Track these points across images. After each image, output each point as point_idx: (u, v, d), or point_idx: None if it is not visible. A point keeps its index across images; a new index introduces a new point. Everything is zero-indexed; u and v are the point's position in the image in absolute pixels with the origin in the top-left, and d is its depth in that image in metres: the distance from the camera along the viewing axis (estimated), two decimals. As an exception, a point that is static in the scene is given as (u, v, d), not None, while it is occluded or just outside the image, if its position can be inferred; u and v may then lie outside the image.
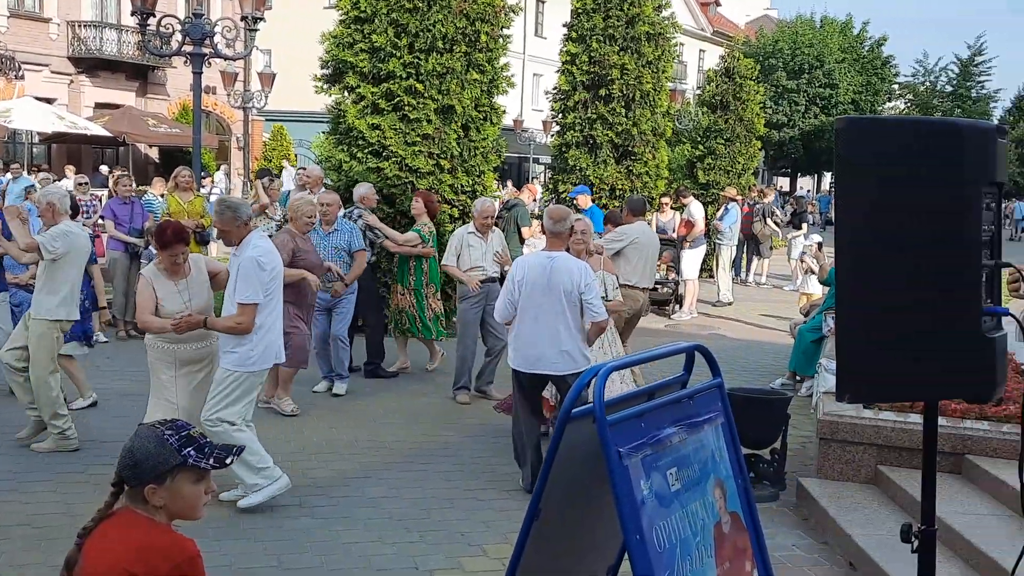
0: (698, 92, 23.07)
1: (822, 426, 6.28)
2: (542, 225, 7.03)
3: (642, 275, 8.88)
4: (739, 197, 16.31)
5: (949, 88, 51.38)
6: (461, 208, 11.04)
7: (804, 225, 18.85)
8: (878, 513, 5.72)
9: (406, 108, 10.62)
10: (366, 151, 10.71)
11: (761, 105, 20.17)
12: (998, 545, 4.92)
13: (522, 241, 11.72)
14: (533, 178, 32.68)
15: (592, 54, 14.66)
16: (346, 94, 11.02)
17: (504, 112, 11.80)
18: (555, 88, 15.58)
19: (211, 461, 2.59)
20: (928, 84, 51.95)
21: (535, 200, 15.67)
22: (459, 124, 10.90)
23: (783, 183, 51.66)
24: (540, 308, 5.91)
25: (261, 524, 5.40)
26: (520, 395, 6.14)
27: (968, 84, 50.95)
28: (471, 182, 11.13)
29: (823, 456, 6.31)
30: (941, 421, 6.18)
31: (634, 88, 14.65)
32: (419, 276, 8.82)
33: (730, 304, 15.12)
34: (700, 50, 50.44)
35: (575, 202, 12.76)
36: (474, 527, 5.53)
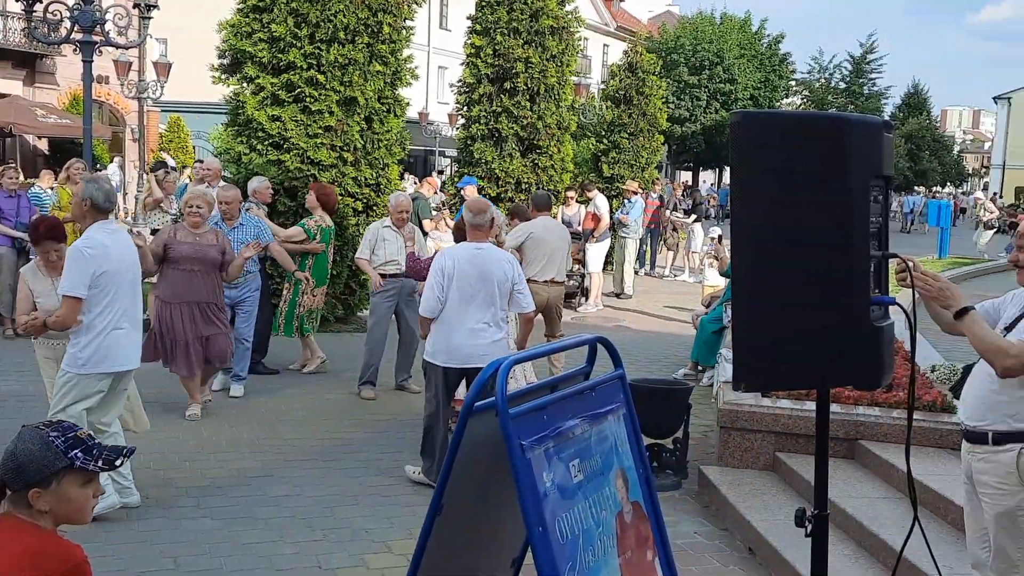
0: (602, 87, 23.28)
1: (722, 415, 6.40)
2: (460, 219, 6.91)
3: (543, 269, 8.90)
4: (641, 190, 16.53)
5: (843, 85, 53.09)
6: (365, 201, 10.91)
7: (691, 216, 19.33)
8: (776, 499, 5.86)
9: (307, 100, 10.44)
10: (266, 143, 10.50)
11: (664, 100, 20.49)
12: (888, 527, 5.10)
13: (425, 234, 11.65)
14: (432, 171, 32.56)
15: (497, 47, 14.66)
16: (245, 85, 10.78)
17: (408, 104, 11.72)
18: (460, 81, 15.54)
19: (99, 463, 2.49)
20: (823, 81, 53.57)
21: (436, 192, 15.55)
22: (362, 116, 10.78)
23: (686, 177, 52.63)
24: (472, 300, 5.77)
25: (157, 526, 5.24)
26: (444, 390, 5.96)
27: (860, 81, 52.75)
28: (375, 175, 11.01)
29: (723, 444, 6.44)
30: (835, 408, 6.38)
31: (539, 82, 14.72)
32: (302, 271, 8.70)
33: (630, 297, 15.32)
34: (604, 45, 50.97)
35: (463, 193, 12.73)
36: (379, 524, 5.48)
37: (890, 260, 2.93)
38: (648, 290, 16.40)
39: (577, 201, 15.13)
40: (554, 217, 11.19)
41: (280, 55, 10.43)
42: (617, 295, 15.17)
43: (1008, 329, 3.43)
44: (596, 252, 13.98)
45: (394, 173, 11.53)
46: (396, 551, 5.06)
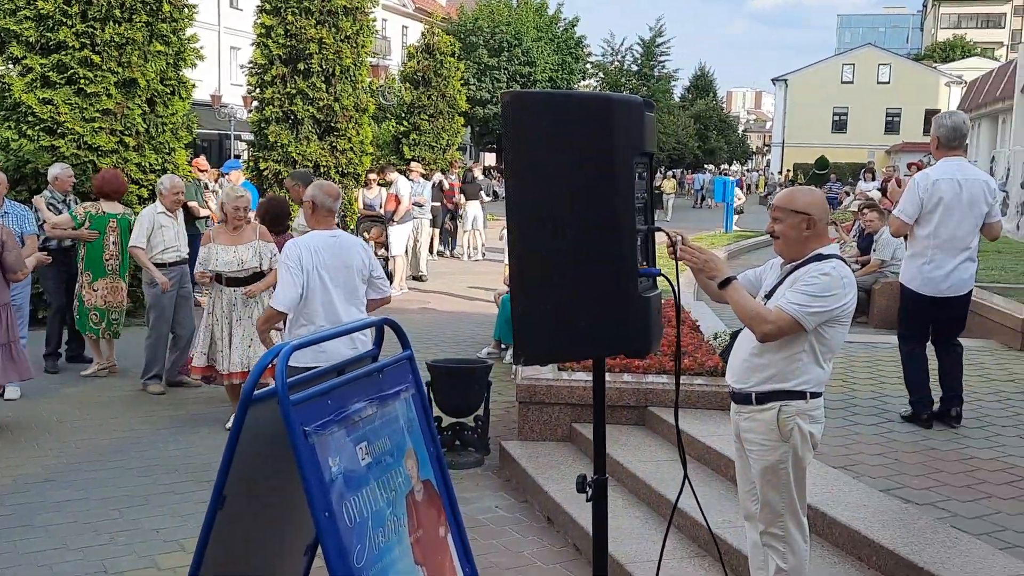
0: (402, 68, 23.19)
1: (520, 390, 6.54)
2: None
3: None
4: (426, 173, 16.57)
5: (635, 67, 55.19)
6: (151, 187, 10.40)
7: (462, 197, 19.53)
8: (572, 468, 6.05)
9: (82, 81, 9.84)
10: (37, 128, 9.81)
11: (463, 82, 20.65)
12: (675, 487, 5.34)
13: (196, 218, 10.99)
14: (202, 153, 31.46)
15: (288, 27, 14.30)
16: (11, 66, 10.02)
17: (195, 86, 11.26)
18: (251, 62, 15.05)
19: None
20: (616, 64, 55.50)
21: (204, 172, 14.68)
22: (144, 99, 10.26)
23: (490, 159, 53.28)
24: (335, 291, 5.36)
25: (-78, 544, 4.84)
26: None
27: (651, 64, 54.97)
28: (160, 160, 10.52)
29: (523, 419, 6.59)
30: (626, 377, 6.66)
31: (333, 63, 14.47)
32: (75, 262, 8.24)
33: (427, 279, 15.31)
34: (403, 26, 50.71)
35: (227, 178, 12.36)
36: (171, 522, 5.27)
37: (663, 234, 3.08)
38: (452, 271, 16.52)
39: (379, 184, 15.03)
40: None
41: (49, 34, 9.76)
42: (415, 278, 15.14)
43: (768, 296, 3.66)
44: (399, 235, 13.93)
45: (181, 158, 11.05)
46: (189, 549, 4.85)
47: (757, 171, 69.83)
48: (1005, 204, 20.14)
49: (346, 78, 14.71)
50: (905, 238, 6.28)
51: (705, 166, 60.48)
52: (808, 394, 3.55)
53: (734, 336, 3.82)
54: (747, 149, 74.87)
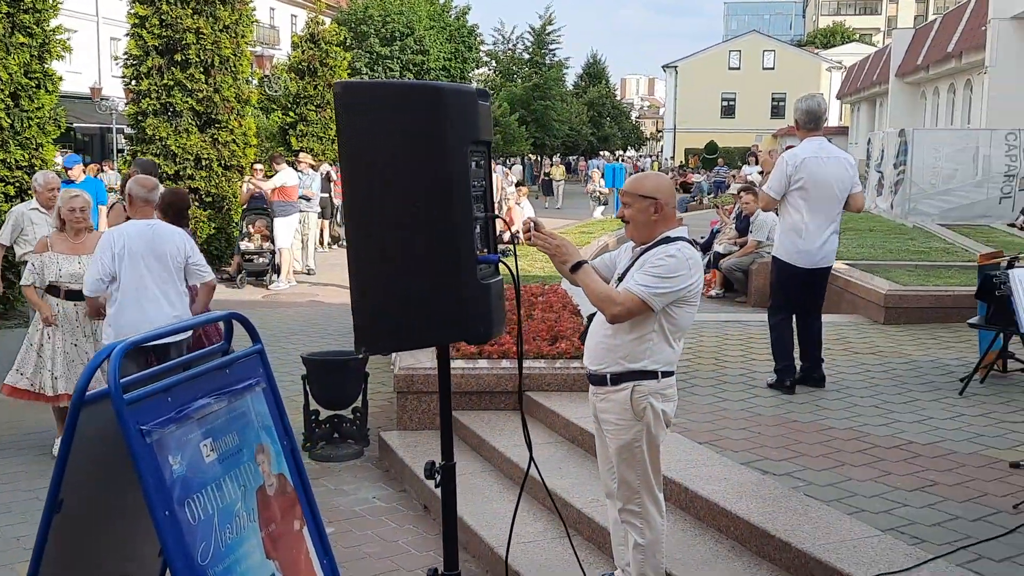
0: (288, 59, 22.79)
1: (398, 380, 6.55)
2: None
3: None
4: (314, 164, 16.36)
5: (527, 56, 55.41)
6: (18, 185, 10.02)
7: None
8: (450, 455, 6.09)
9: (-63, 75, 9.40)
10: None
11: (354, 71, 20.42)
12: (548, 470, 5.44)
13: None
14: (81, 148, 30.53)
15: (163, 17, 13.90)
16: None
17: (62, 79, 10.85)
18: (125, 53, 14.59)
19: None
20: (508, 52, 55.63)
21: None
22: (7, 93, 9.85)
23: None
24: (146, 278, 5.64)
25: None
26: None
27: (543, 52, 55.26)
28: (27, 156, 10.13)
29: (401, 409, 6.60)
30: (503, 363, 6.72)
31: (212, 53, 14.13)
32: None
33: (315, 273, 15.08)
34: (292, 15, 49.77)
35: (68, 173, 11.99)
36: (33, 530, 5.08)
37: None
38: (343, 263, 16.32)
39: (267, 176, 14.77)
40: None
41: (-101, 25, 9.29)
42: (305, 272, 14.86)
43: (620, 279, 3.75)
44: (285, 227, 13.73)
45: (50, 153, 10.66)
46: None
47: (651, 156, 70.98)
48: (880, 184, 20.98)
49: (226, 68, 14.38)
50: (778, 214, 6.63)
51: (600, 153, 61.20)
52: (660, 373, 3.65)
53: (591, 319, 3.90)
54: (641, 135, 75.94)
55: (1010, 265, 6.65)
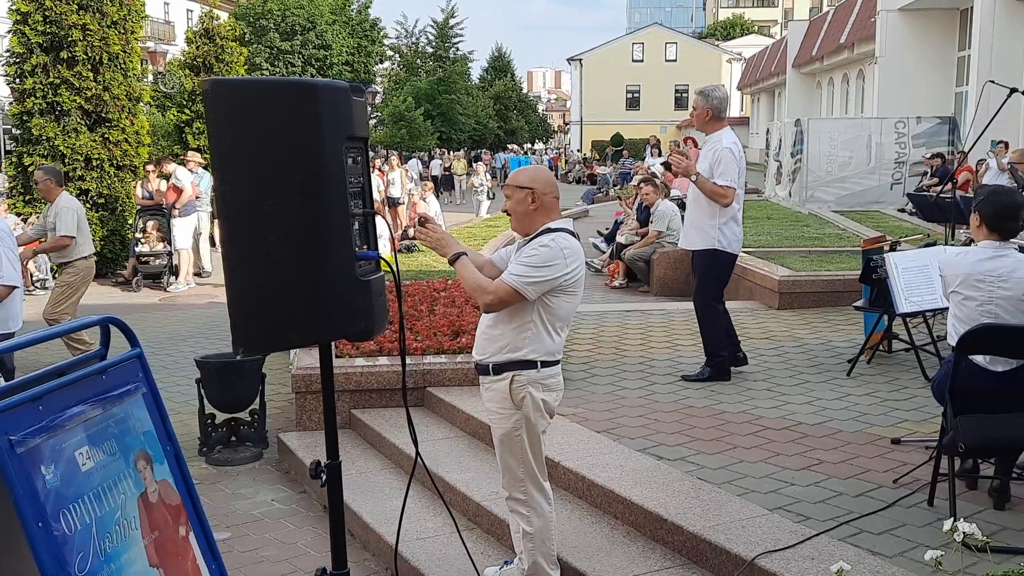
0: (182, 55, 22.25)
1: (296, 381, 6.46)
2: None
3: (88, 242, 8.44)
4: (205, 161, 16.02)
5: (430, 49, 55.23)
6: None
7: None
8: (350, 455, 6.04)
9: None
10: None
11: (249, 67, 20.03)
12: (447, 465, 5.46)
13: None
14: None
15: (47, 13, 13.41)
16: None
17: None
18: (7, 51, 14.04)
19: None
20: (412, 46, 55.36)
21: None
22: None
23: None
24: None
25: None
26: None
27: (446, 45, 55.15)
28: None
29: (300, 409, 6.51)
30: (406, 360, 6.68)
31: (100, 50, 13.69)
32: None
33: (211, 274, 14.61)
34: (188, 10, 48.64)
35: None
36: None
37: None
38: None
39: (160, 176, 14.40)
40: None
41: None
42: (197, 274, 14.28)
43: (507, 271, 3.77)
44: (183, 228, 13.41)
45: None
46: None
47: (558, 149, 71.46)
48: (779, 173, 21.55)
49: (115, 65, 13.95)
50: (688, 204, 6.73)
51: (508, 146, 61.37)
52: (539, 363, 3.68)
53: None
54: (549, 128, 76.41)
55: (892, 249, 6.91)
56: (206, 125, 2.83)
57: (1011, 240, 4.29)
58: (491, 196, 24.17)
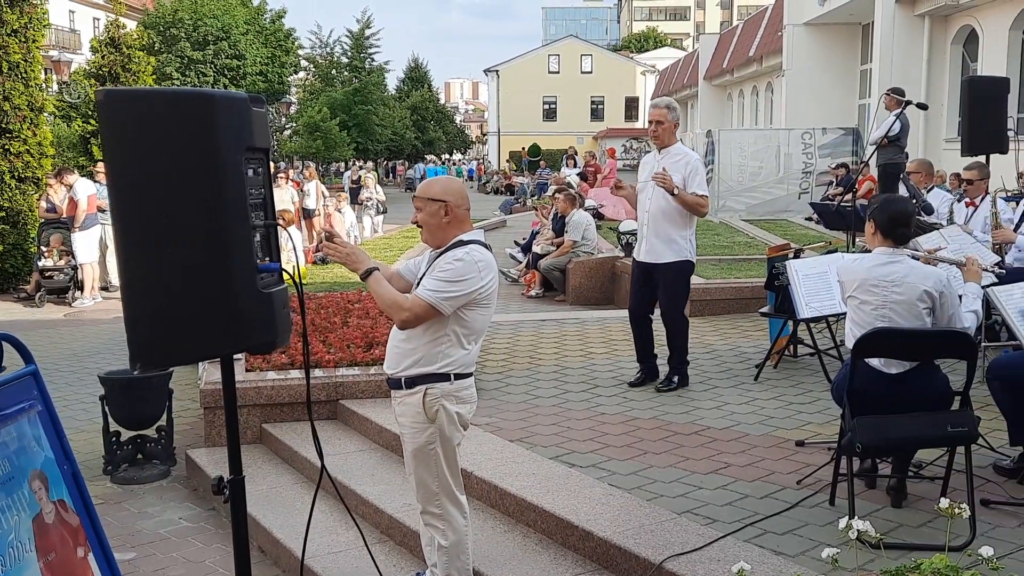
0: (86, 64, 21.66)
1: (204, 396, 6.34)
2: None
3: None
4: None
5: (345, 59, 54.80)
6: None
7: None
8: (261, 470, 5.96)
9: None
10: None
11: (158, 76, 19.60)
12: (359, 478, 5.42)
13: None
14: None
15: (-58, 20, 12.94)
16: None
17: None
18: (-100, 58, 13.49)
19: None
20: (327, 56, 54.86)
21: None
22: None
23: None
24: None
25: None
26: None
27: (362, 56, 54.79)
28: None
29: (209, 424, 6.39)
30: (317, 373, 6.62)
31: (0, 59, 13.25)
32: None
33: (117, 288, 14.21)
34: (94, 18, 47.38)
35: None
36: None
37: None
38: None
39: (65, 186, 13.93)
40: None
41: None
42: (103, 288, 13.76)
43: (419, 285, 3.76)
44: (85, 241, 12.99)
45: None
46: None
47: (477, 160, 71.55)
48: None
49: (16, 75, 13.52)
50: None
51: (426, 156, 61.19)
52: (452, 376, 3.68)
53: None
54: (467, 139, 76.43)
55: (795, 256, 7.10)
56: (100, 136, 2.77)
57: (903, 247, 4.45)
58: (382, 210, 20.70)
